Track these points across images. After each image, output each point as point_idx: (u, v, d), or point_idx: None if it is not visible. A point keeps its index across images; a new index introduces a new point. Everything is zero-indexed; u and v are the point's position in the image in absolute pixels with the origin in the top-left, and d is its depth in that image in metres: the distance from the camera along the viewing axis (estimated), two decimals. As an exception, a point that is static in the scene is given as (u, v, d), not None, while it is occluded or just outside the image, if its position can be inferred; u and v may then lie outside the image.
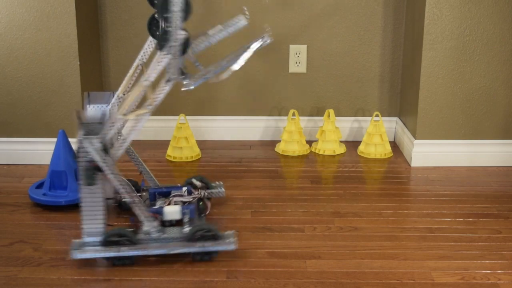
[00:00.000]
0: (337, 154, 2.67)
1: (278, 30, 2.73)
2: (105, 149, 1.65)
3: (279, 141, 2.75)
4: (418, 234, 1.91)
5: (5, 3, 2.35)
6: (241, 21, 1.82)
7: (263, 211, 2.08)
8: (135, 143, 2.76)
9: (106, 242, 1.69)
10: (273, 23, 2.72)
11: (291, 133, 2.66)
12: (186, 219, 1.79)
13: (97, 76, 2.70)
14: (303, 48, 2.75)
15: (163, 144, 2.74)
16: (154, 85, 1.71)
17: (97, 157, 1.64)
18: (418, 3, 2.47)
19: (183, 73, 1.74)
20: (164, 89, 1.71)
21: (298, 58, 2.76)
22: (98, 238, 1.69)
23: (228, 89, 2.82)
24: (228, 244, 1.74)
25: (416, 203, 2.15)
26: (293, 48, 2.75)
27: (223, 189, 2.09)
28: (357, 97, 2.81)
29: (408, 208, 2.11)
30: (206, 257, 1.74)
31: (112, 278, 1.66)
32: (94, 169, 1.65)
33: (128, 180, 2.08)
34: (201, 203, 1.99)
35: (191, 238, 1.72)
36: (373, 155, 2.63)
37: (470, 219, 2.02)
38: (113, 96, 1.92)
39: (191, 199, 1.93)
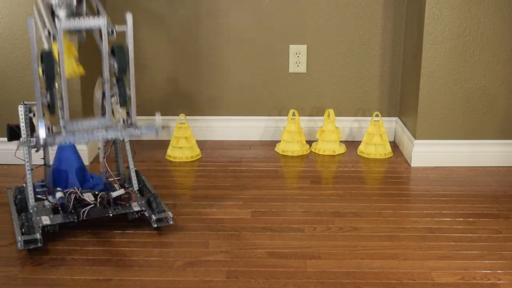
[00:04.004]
0: (337, 154, 2.67)
1: (278, 30, 2.73)
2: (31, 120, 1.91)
3: (279, 141, 2.75)
4: (418, 234, 1.91)
5: (5, 3, 2.35)
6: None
7: (263, 211, 2.08)
8: (135, 143, 2.77)
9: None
10: (273, 23, 2.73)
11: (291, 133, 2.66)
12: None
13: (97, 76, 2.70)
14: (303, 48, 2.75)
15: (163, 144, 2.74)
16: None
17: (21, 119, 1.91)
18: (418, 3, 2.47)
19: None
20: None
21: (298, 58, 2.76)
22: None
23: (228, 89, 2.82)
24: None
25: (416, 203, 2.15)
26: (293, 48, 2.75)
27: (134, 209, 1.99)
28: (357, 97, 2.82)
29: (408, 208, 2.11)
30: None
31: (112, 278, 1.66)
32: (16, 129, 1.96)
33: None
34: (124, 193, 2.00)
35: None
36: (373, 155, 2.63)
37: (470, 219, 2.02)
38: None
39: (87, 201, 1.93)
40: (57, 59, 1.72)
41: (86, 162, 2.49)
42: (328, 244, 1.84)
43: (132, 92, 1.83)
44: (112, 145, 2.12)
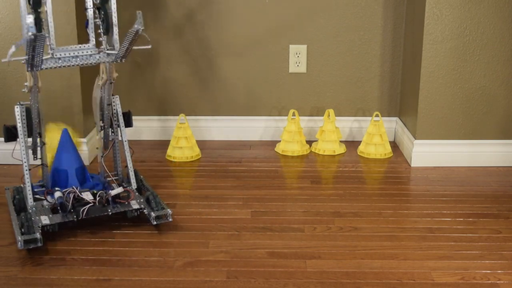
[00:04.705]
0: (337, 154, 2.67)
1: (278, 30, 2.73)
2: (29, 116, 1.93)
3: (279, 141, 2.75)
4: (418, 234, 1.91)
5: (5, 3, 2.35)
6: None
7: (263, 211, 2.08)
8: (135, 143, 2.77)
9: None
10: (273, 23, 2.73)
11: (291, 133, 2.66)
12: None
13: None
14: (303, 48, 2.75)
15: (163, 144, 2.74)
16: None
17: (18, 120, 1.92)
18: (418, 3, 2.47)
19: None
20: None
21: (298, 58, 2.76)
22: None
23: (228, 89, 2.82)
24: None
25: (416, 203, 2.15)
26: (293, 48, 2.75)
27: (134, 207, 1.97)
28: (357, 97, 2.81)
29: (408, 208, 2.11)
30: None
31: (112, 278, 1.66)
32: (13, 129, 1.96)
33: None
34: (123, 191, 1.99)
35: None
36: (373, 155, 2.63)
37: (470, 219, 2.02)
38: None
39: (86, 200, 1.92)
40: None
41: (86, 162, 2.49)
42: (328, 244, 1.84)
43: (114, 19, 1.83)
44: (111, 145, 2.12)
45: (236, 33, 2.75)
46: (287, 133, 2.67)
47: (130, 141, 2.10)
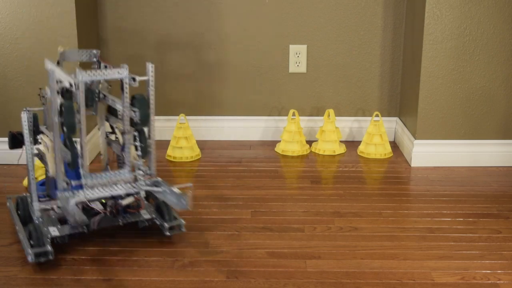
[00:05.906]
0: (337, 154, 2.67)
1: (278, 30, 2.73)
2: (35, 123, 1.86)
3: (279, 141, 2.75)
4: (418, 234, 1.91)
5: (5, 3, 2.36)
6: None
7: (263, 211, 2.08)
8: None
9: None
10: (273, 23, 2.73)
11: (291, 133, 2.66)
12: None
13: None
14: (303, 48, 2.75)
15: (163, 144, 2.74)
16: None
17: (24, 126, 1.84)
18: (418, 3, 2.47)
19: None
20: None
21: (298, 58, 2.76)
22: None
23: (228, 89, 2.82)
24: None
25: (416, 203, 2.15)
26: (293, 48, 2.75)
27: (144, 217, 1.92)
28: (357, 97, 2.82)
29: (408, 208, 2.11)
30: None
31: (112, 278, 1.66)
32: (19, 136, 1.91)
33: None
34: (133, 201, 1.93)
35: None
36: (373, 155, 2.63)
37: (470, 219, 2.02)
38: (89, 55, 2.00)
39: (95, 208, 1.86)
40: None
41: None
42: (328, 244, 1.84)
43: (152, 143, 1.79)
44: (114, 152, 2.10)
45: (236, 33, 2.75)
46: (287, 133, 2.67)
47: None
